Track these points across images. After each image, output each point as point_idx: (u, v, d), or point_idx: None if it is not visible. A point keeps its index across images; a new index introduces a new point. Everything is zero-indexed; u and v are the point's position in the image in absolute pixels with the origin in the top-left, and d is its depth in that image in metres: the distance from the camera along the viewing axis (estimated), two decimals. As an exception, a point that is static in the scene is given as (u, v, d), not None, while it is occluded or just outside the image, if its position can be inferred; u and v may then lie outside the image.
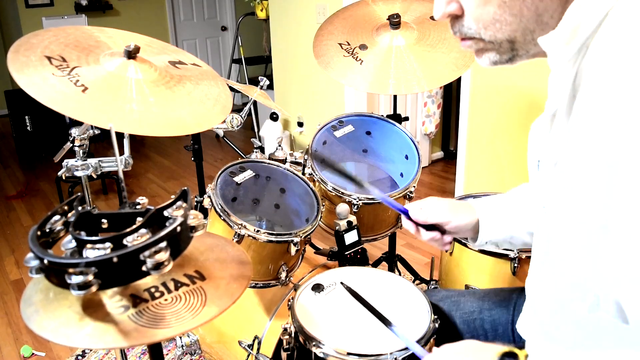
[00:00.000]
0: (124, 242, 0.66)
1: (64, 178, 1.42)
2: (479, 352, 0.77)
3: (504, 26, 0.66)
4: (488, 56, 0.71)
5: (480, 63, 0.73)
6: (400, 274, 1.31)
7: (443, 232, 1.02)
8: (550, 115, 0.72)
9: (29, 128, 4.29)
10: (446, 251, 1.54)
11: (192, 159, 2.00)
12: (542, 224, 0.79)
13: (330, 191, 1.51)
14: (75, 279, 0.60)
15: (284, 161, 1.61)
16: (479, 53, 0.72)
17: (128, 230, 0.66)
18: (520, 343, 0.99)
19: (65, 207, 0.72)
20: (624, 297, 0.61)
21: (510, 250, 1.37)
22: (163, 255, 0.64)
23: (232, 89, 1.48)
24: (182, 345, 1.45)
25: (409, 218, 1.01)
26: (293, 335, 1.07)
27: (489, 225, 1.01)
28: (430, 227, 1.01)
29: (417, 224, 1.01)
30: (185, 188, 0.74)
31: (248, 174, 1.46)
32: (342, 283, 1.10)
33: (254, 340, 1.36)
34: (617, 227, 0.58)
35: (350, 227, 1.46)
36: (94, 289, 0.61)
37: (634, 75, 0.55)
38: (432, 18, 1.65)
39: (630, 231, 0.56)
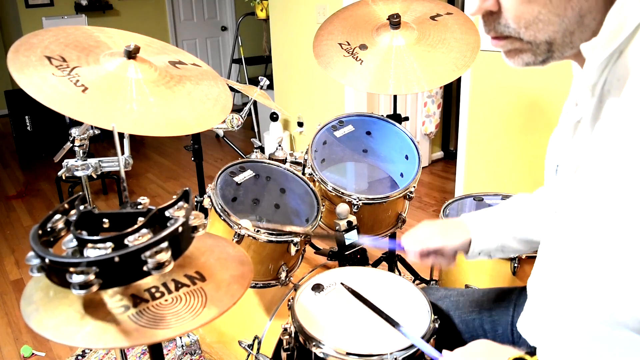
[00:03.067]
0: (125, 242, 0.66)
1: (64, 178, 1.42)
2: (491, 355, 0.76)
3: (546, 26, 0.63)
4: (522, 57, 0.67)
5: (511, 63, 0.69)
6: (400, 274, 1.31)
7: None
8: (575, 122, 0.70)
9: (29, 128, 4.29)
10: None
11: (192, 159, 2.00)
12: (553, 230, 0.78)
13: (330, 191, 1.51)
14: (76, 279, 0.60)
15: (284, 161, 1.61)
16: (512, 53, 0.68)
17: (129, 230, 0.66)
18: (519, 342, 0.99)
19: (67, 206, 0.72)
20: None
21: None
22: (164, 256, 0.64)
23: (232, 89, 1.48)
24: (182, 345, 1.45)
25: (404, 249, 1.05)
26: (293, 335, 1.07)
27: (480, 237, 1.03)
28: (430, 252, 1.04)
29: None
30: (187, 188, 0.74)
31: (248, 174, 1.46)
32: (344, 285, 1.11)
33: (254, 340, 1.36)
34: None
35: (350, 227, 1.46)
36: (94, 288, 0.61)
37: None
38: (433, 18, 1.65)
39: None
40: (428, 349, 0.89)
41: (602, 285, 0.65)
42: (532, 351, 0.75)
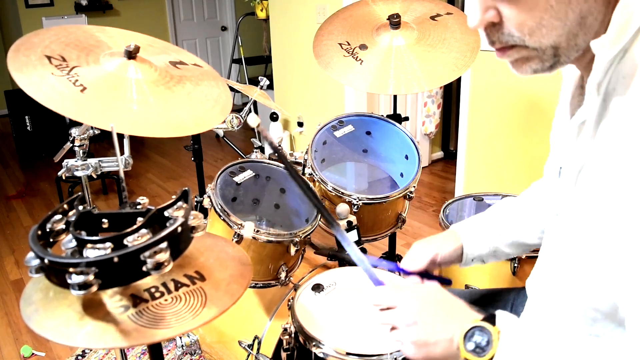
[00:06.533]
0: (125, 242, 0.66)
1: (64, 178, 1.42)
2: (449, 319, 0.74)
3: (549, 31, 0.63)
4: (530, 65, 0.67)
5: (519, 73, 0.69)
6: (400, 274, 1.31)
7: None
8: (579, 123, 0.69)
9: (29, 128, 4.29)
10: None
11: (192, 159, 2.00)
12: (553, 232, 0.78)
13: (330, 191, 1.51)
14: (76, 279, 0.60)
15: (284, 161, 1.60)
16: (519, 62, 0.68)
17: (129, 230, 0.66)
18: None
19: (66, 207, 0.72)
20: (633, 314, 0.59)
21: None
22: (163, 256, 0.64)
23: (232, 89, 1.48)
24: (182, 345, 1.45)
25: (408, 273, 1.02)
26: (293, 335, 1.07)
27: (471, 243, 1.03)
28: (430, 277, 1.01)
29: (420, 275, 1.01)
30: (186, 188, 0.74)
31: (248, 174, 1.46)
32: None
33: (254, 340, 1.36)
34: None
35: (350, 227, 1.46)
36: (94, 288, 0.61)
37: None
38: (433, 18, 1.65)
39: None
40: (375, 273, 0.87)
41: (602, 287, 0.65)
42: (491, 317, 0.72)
